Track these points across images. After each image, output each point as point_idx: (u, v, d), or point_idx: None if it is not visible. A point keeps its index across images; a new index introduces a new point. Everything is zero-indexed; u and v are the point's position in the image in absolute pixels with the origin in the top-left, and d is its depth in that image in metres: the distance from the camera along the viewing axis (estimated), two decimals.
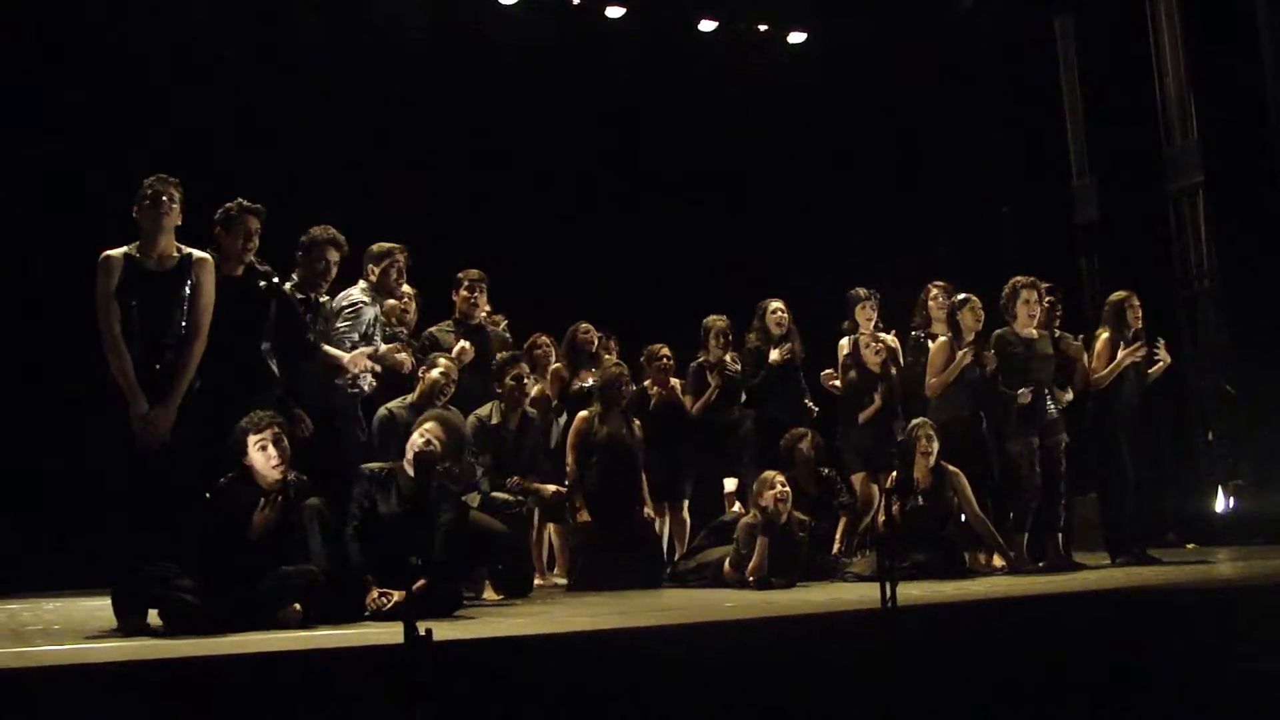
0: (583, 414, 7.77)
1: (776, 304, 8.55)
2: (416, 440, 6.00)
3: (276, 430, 5.53)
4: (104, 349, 5.47)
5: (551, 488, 7.54)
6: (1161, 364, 8.14)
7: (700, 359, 8.49)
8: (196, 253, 5.70)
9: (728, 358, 8.47)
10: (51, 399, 8.27)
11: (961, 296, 7.96)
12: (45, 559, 8.06)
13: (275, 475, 5.51)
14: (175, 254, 5.63)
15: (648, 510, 7.84)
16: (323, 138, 9.73)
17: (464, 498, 6.63)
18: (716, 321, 8.51)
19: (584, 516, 7.64)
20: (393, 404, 6.77)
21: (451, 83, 10.58)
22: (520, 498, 7.16)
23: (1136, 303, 8.14)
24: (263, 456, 5.49)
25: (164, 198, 5.57)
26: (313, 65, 9.94)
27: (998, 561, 7.70)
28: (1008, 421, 7.74)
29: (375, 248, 6.99)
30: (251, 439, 5.49)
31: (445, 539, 5.94)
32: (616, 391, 7.74)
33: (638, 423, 7.92)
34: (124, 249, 5.58)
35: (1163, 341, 8.10)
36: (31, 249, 8.59)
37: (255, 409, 5.60)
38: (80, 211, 8.34)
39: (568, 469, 7.75)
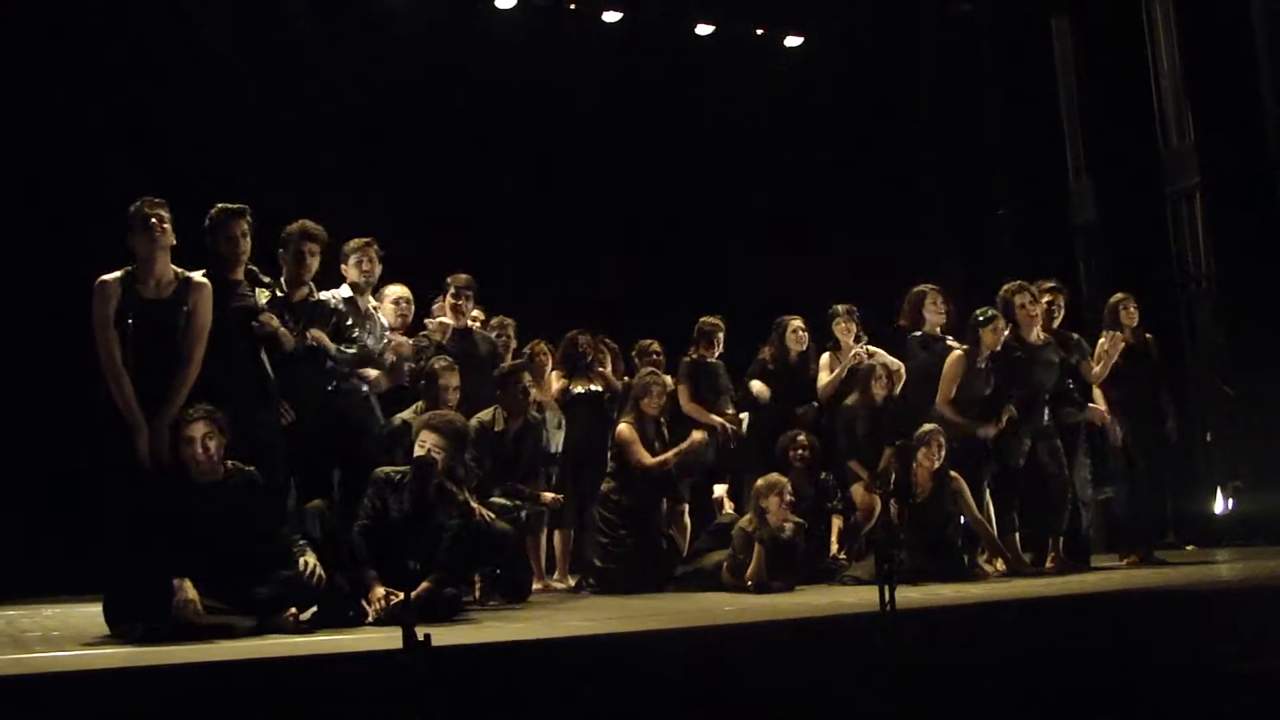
0: (624, 425, 7.75)
1: (797, 322, 8.54)
2: (420, 449, 6.01)
3: (206, 427, 5.42)
4: (104, 374, 5.46)
5: (550, 495, 7.54)
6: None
7: (692, 355, 8.50)
8: (195, 277, 5.69)
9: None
10: (51, 410, 8.26)
11: (990, 314, 7.82)
12: (45, 566, 8.05)
13: (202, 469, 5.43)
14: (173, 278, 5.62)
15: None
16: (320, 140, 9.73)
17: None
18: (710, 321, 8.53)
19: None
20: (405, 414, 6.79)
21: (448, 86, 10.57)
22: (518, 503, 7.16)
23: (1132, 305, 8.18)
24: (189, 450, 5.40)
25: (153, 220, 5.55)
26: (311, 68, 9.95)
27: (998, 565, 7.70)
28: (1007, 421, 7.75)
29: (349, 245, 6.92)
30: (181, 433, 5.42)
31: (449, 545, 5.94)
32: (650, 398, 7.71)
33: (663, 420, 7.90)
34: (120, 274, 5.56)
35: (1116, 334, 8.03)
36: (29, 258, 8.58)
37: (227, 407, 5.55)
38: (78, 217, 8.36)
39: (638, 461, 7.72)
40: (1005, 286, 7.89)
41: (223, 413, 5.49)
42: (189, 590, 5.18)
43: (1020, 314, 7.76)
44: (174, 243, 5.63)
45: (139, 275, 5.57)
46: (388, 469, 6.08)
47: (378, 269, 6.96)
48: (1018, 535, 7.78)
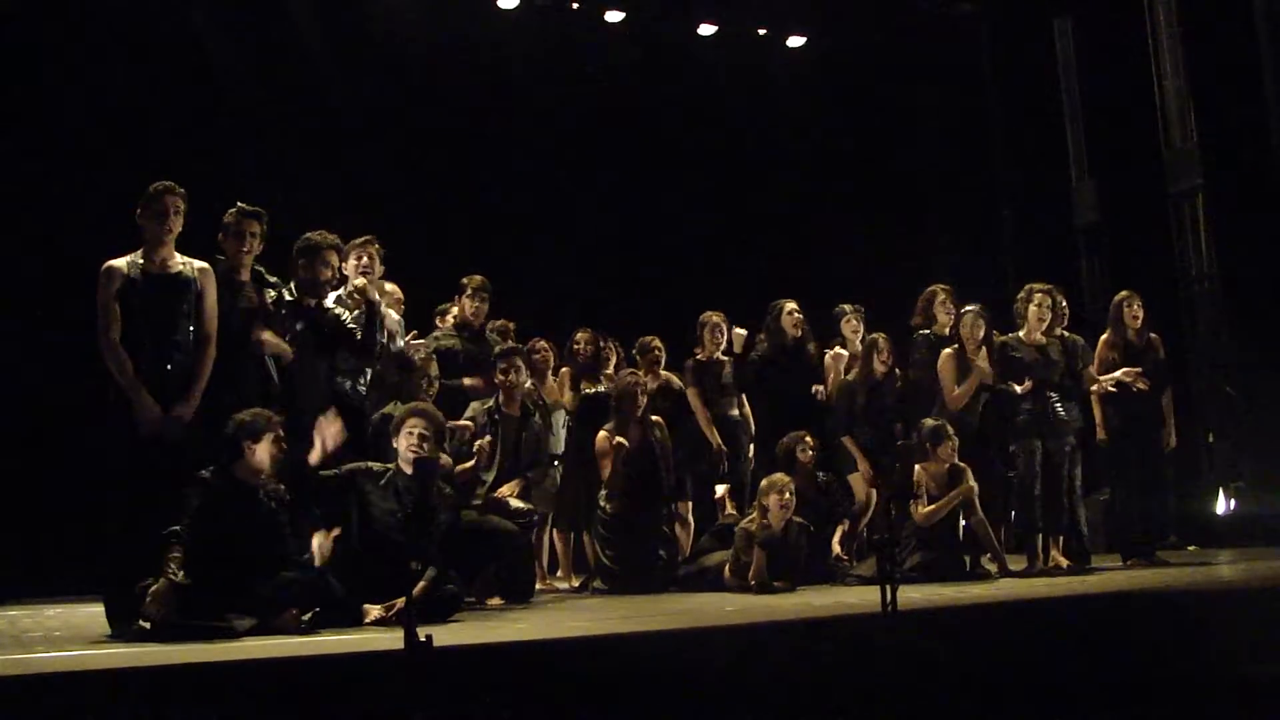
0: (603, 433, 7.71)
1: (792, 305, 8.52)
2: (408, 438, 6.00)
3: (280, 433, 5.58)
4: (103, 354, 5.54)
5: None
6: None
7: (697, 355, 8.50)
8: (197, 262, 5.78)
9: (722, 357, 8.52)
10: (52, 406, 8.28)
11: (965, 310, 7.90)
12: (47, 566, 8.06)
13: (268, 473, 5.52)
14: (179, 263, 5.71)
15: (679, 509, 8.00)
16: (322, 143, 9.73)
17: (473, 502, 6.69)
18: (712, 317, 8.53)
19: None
20: (387, 408, 6.80)
21: (451, 87, 10.58)
22: (532, 506, 7.15)
23: (1136, 304, 8.16)
24: (265, 453, 5.49)
25: (170, 208, 5.64)
26: (313, 71, 9.95)
27: (993, 565, 7.69)
28: (1012, 424, 7.74)
29: (349, 243, 6.86)
30: (263, 433, 5.50)
31: (443, 540, 5.95)
32: (632, 401, 7.67)
33: (658, 419, 7.83)
34: (127, 258, 5.65)
35: (1140, 371, 8.00)
36: (29, 255, 8.57)
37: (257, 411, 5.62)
38: (79, 217, 8.37)
39: (603, 479, 7.68)
40: (1030, 285, 7.91)
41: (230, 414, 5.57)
42: (161, 595, 5.18)
43: (1033, 312, 7.79)
44: (179, 230, 5.70)
45: (145, 257, 5.66)
46: (375, 465, 6.07)
47: (379, 267, 6.95)
48: (1040, 536, 7.75)
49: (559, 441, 8.12)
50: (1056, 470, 7.73)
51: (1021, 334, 7.83)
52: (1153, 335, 8.24)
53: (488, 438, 6.98)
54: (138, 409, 5.49)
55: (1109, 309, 8.33)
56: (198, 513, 5.40)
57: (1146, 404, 8.07)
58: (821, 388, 8.48)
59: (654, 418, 7.80)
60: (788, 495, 7.19)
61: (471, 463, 6.85)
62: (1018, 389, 7.69)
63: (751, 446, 8.51)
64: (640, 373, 8.03)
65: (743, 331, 8.45)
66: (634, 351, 8.51)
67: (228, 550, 5.39)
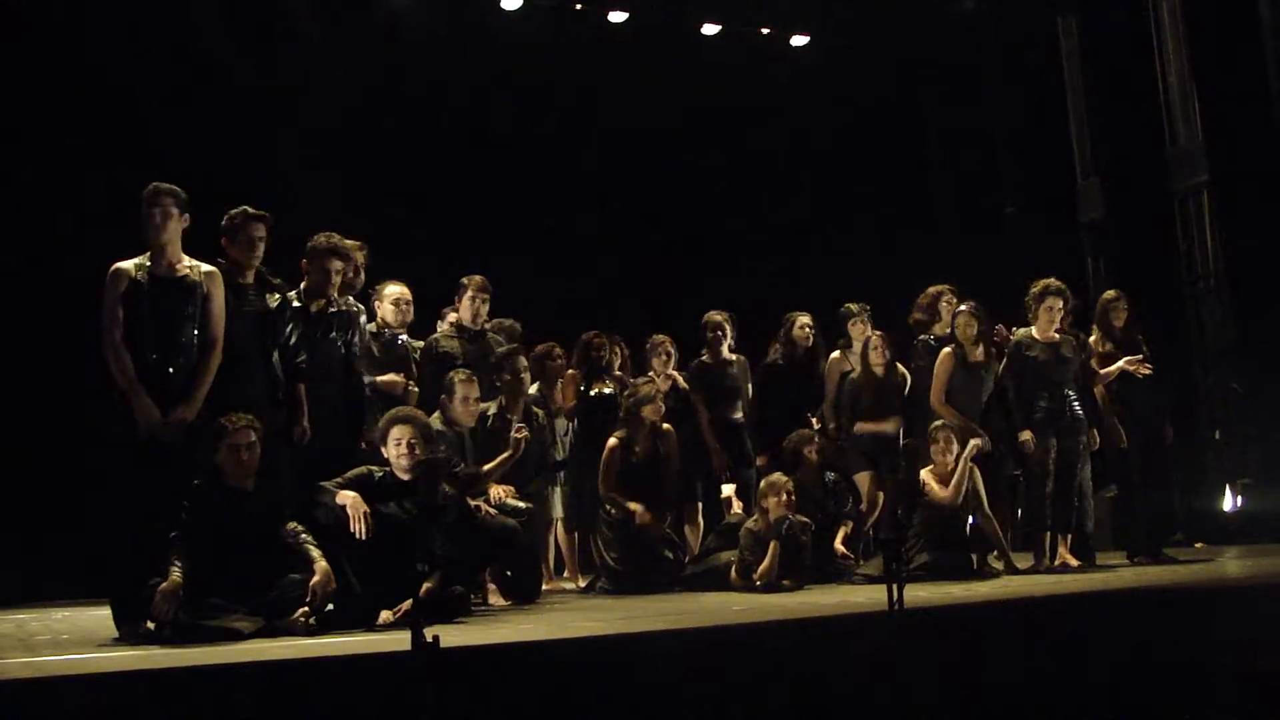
0: (612, 442, 7.68)
1: (804, 318, 8.55)
2: (397, 446, 5.97)
3: (251, 435, 5.55)
4: (105, 355, 5.58)
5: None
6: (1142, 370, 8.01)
7: (703, 356, 8.49)
8: (205, 266, 5.80)
9: (734, 357, 8.50)
10: (58, 409, 8.29)
11: (960, 308, 7.90)
12: (52, 568, 8.07)
13: (243, 478, 5.54)
14: (186, 266, 5.72)
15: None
16: (323, 143, 9.73)
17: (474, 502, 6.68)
18: (715, 318, 8.51)
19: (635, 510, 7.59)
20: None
21: (454, 86, 10.58)
22: (529, 505, 7.14)
23: (1122, 304, 8.14)
24: (231, 459, 5.51)
25: (156, 210, 5.66)
26: (315, 70, 9.95)
27: (1000, 563, 7.69)
28: (1028, 422, 7.71)
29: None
30: (219, 440, 5.52)
31: (446, 541, 5.96)
32: (651, 408, 7.62)
33: (668, 426, 7.78)
34: (135, 260, 5.68)
35: (1141, 357, 8.01)
36: (30, 256, 8.58)
37: (242, 411, 5.63)
38: (80, 219, 8.37)
39: (601, 492, 7.65)
40: (1043, 282, 7.88)
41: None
42: (169, 593, 5.20)
43: (1044, 312, 7.77)
44: (185, 225, 5.72)
45: (154, 259, 5.69)
46: (375, 468, 6.06)
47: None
48: (1048, 535, 7.74)
49: (561, 449, 8.11)
50: (1069, 468, 7.71)
51: (1034, 332, 7.82)
52: (1139, 336, 8.22)
53: (524, 430, 6.95)
54: (137, 411, 5.51)
55: (1098, 309, 8.31)
56: (195, 519, 5.42)
57: (1152, 401, 8.06)
58: (816, 420, 8.45)
59: (665, 426, 7.77)
60: (786, 495, 7.18)
61: (508, 454, 6.83)
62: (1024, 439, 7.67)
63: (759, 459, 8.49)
64: (656, 378, 8.02)
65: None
66: (646, 350, 8.49)
67: (227, 554, 5.41)
